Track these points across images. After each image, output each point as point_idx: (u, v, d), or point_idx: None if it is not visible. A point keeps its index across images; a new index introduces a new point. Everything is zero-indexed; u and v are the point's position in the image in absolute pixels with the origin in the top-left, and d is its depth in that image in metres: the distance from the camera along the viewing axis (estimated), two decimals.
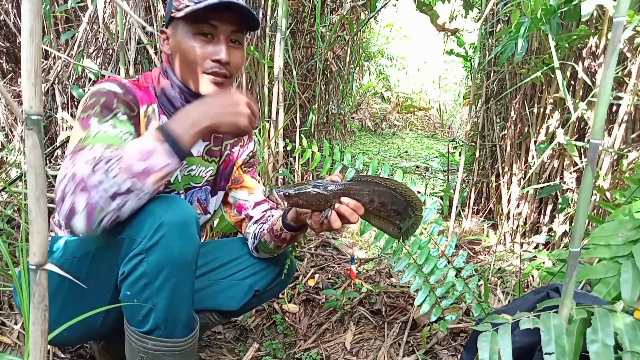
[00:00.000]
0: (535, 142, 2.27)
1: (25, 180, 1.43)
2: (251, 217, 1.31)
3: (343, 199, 0.99)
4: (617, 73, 1.79)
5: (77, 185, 0.83)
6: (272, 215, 1.29)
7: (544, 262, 1.75)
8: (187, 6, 1.02)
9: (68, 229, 1.03)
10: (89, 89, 1.12)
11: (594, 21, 1.95)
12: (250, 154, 1.36)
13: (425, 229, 1.58)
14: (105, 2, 2.20)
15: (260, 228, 1.27)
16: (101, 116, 0.98)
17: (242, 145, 1.34)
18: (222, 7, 1.01)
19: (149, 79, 1.14)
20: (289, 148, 1.82)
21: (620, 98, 1.79)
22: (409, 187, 1.06)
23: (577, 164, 2.08)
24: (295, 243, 2.32)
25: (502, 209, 2.56)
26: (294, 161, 2.64)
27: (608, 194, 1.82)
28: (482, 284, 1.72)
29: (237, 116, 0.95)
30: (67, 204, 0.83)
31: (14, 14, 2.54)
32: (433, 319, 1.48)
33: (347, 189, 1.00)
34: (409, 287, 1.79)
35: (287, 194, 0.98)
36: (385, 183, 1.03)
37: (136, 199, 0.88)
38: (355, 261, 2.07)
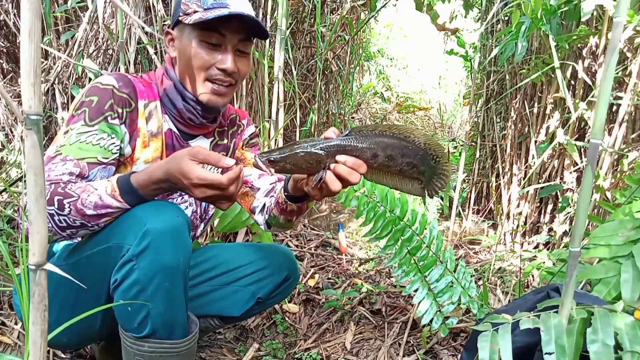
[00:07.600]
0: (536, 142, 2.27)
1: (25, 181, 1.43)
2: (258, 189, 1.23)
3: (338, 157, 0.85)
4: (617, 73, 1.79)
5: None
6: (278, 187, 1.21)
7: (544, 262, 1.74)
8: (196, 11, 1.02)
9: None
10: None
11: (594, 21, 1.95)
12: (251, 135, 1.32)
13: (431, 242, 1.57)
14: (105, 2, 2.20)
15: (270, 201, 1.20)
16: (89, 119, 0.99)
17: (242, 130, 1.31)
18: (231, 17, 1.01)
19: (153, 77, 1.15)
20: None
21: (620, 98, 1.79)
22: (425, 134, 0.87)
23: (577, 164, 2.08)
24: (295, 243, 2.32)
25: (502, 209, 2.56)
26: None
27: (608, 194, 1.81)
28: (482, 284, 1.72)
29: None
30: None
31: (14, 14, 2.54)
32: (435, 327, 1.44)
33: (341, 146, 0.85)
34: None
35: (270, 159, 0.84)
36: (390, 132, 0.86)
37: (89, 231, 0.96)
38: (344, 228, 1.84)
